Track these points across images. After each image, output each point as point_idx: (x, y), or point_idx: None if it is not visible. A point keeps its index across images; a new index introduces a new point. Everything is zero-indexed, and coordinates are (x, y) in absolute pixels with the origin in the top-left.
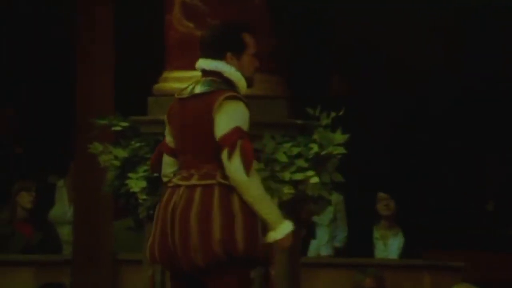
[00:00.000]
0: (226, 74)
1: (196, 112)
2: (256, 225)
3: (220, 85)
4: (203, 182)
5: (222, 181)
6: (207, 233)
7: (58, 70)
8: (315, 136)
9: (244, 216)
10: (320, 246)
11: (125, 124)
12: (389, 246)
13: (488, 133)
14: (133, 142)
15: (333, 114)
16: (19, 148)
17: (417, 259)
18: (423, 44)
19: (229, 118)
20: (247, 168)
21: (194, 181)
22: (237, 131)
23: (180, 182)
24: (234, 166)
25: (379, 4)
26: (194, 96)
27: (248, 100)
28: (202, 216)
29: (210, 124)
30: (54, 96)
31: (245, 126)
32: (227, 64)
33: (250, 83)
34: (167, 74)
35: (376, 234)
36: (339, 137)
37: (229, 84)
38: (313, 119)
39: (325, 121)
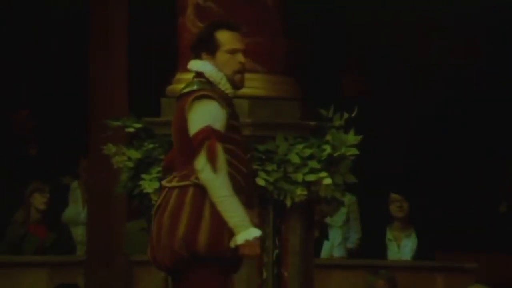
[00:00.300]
0: (207, 75)
1: (177, 113)
2: (224, 226)
3: (204, 85)
4: (180, 184)
5: (197, 181)
6: (173, 232)
7: (72, 72)
8: (328, 137)
9: (213, 216)
10: (333, 247)
11: (138, 125)
12: (402, 247)
13: (502, 135)
14: (146, 143)
15: (346, 116)
16: (33, 149)
17: (430, 261)
18: (436, 45)
19: (199, 117)
20: (212, 167)
21: (174, 183)
22: (204, 130)
23: (166, 184)
24: (200, 165)
25: (393, 6)
26: (179, 97)
27: (260, 101)
28: (173, 216)
29: (186, 125)
30: (68, 97)
31: (217, 124)
32: (209, 64)
33: (234, 83)
34: (180, 76)
35: (389, 235)
36: (352, 138)
37: (212, 84)
38: (326, 120)
39: (338, 122)
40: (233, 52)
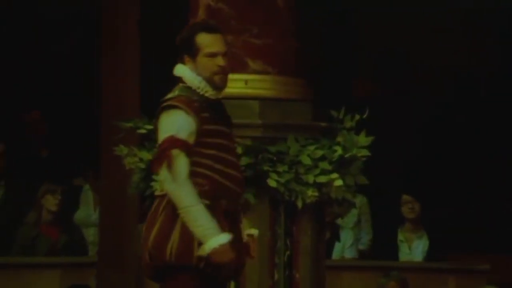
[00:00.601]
0: (185, 80)
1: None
2: (194, 236)
3: (185, 90)
4: (159, 194)
5: None
6: (146, 242)
7: (84, 74)
8: (339, 139)
9: (184, 226)
10: (345, 248)
11: (150, 126)
12: (414, 248)
13: None
14: (158, 145)
15: (357, 117)
16: (45, 151)
17: (442, 262)
18: (447, 47)
19: (163, 129)
20: (171, 177)
21: (157, 192)
22: (166, 141)
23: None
24: (162, 176)
25: (404, 8)
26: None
27: (271, 102)
28: (148, 227)
29: None
30: (80, 99)
31: (183, 133)
32: (187, 69)
33: (214, 84)
34: None
35: (401, 236)
36: (363, 139)
37: (192, 89)
38: (337, 121)
39: (349, 124)
40: (212, 55)
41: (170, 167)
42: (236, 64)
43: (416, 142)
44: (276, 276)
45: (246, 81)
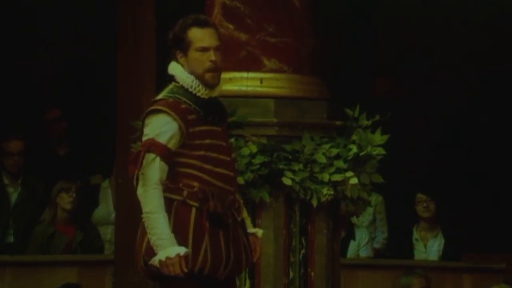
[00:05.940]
0: (177, 78)
1: None
2: (186, 241)
3: (176, 91)
4: None
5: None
6: (139, 249)
7: (101, 73)
8: (354, 137)
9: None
10: (360, 247)
11: None
12: (429, 247)
13: None
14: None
15: (377, 117)
16: (63, 150)
17: (457, 261)
18: (468, 45)
19: (145, 131)
20: (143, 182)
21: None
22: (144, 144)
23: None
24: (134, 179)
25: (424, 4)
26: None
27: (286, 101)
28: (142, 232)
29: None
30: (97, 99)
31: (163, 136)
32: (179, 67)
33: (206, 82)
34: None
35: (416, 235)
36: (379, 138)
37: (184, 88)
38: (352, 120)
39: (364, 122)
40: (203, 50)
41: (142, 170)
42: (251, 63)
43: (433, 141)
44: (291, 275)
45: (261, 80)
